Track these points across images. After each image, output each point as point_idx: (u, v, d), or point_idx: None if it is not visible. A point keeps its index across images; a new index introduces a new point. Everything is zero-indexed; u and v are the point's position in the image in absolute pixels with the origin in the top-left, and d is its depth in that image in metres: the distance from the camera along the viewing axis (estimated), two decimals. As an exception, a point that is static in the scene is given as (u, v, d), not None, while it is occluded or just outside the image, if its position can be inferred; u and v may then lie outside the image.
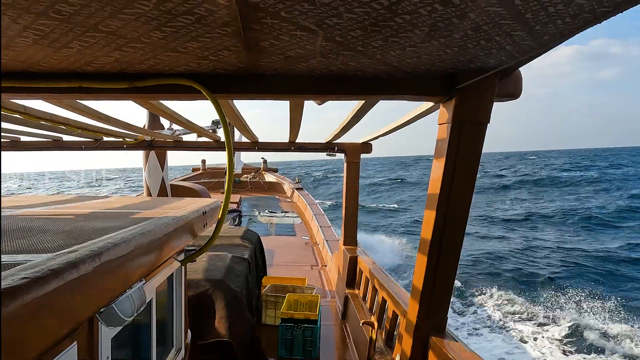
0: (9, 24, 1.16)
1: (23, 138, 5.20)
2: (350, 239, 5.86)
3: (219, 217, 1.97)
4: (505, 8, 1.11)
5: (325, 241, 8.60)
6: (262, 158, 21.94)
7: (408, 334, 2.47)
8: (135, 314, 1.12)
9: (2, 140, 5.11)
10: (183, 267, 2.19)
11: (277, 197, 17.18)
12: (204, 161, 20.93)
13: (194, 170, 20.53)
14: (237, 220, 11.20)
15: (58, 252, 0.84)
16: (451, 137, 1.93)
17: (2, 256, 0.86)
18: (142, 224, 1.35)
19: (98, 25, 1.17)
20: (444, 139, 2.00)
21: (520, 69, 1.87)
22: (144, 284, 1.23)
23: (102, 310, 0.98)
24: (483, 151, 2.03)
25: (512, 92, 1.87)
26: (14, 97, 1.94)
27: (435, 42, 1.37)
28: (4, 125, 3.88)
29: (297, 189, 16.23)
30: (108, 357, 1.14)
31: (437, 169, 2.06)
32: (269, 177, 20.35)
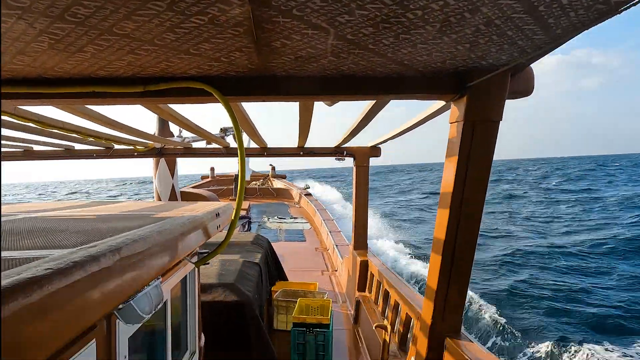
0: (25, 28, 1.18)
1: (36, 147, 5.27)
2: (360, 243, 5.84)
3: (232, 219, 1.98)
4: (518, 1, 1.11)
5: (335, 246, 8.58)
6: (270, 165, 22.05)
7: (423, 335, 2.44)
8: (153, 312, 1.12)
9: (15, 150, 5.19)
10: (197, 269, 2.19)
11: (285, 203, 17.21)
12: (212, 169, 21.08)
13: (203, 178, 20.67)
14: (246, 226, 11.22)
15: (79, 247, 0.85)
16: (463, 136, 1.92)
17: (25, 252, 0.87)
18: (158, 223, 1.36)
19: (112, 28, 1.19)
20: (455, 138, 1.98)
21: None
22: (161, 283, 1.23)
23: (120, 306, 0.98)
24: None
25: (524, 89, 1.86)
26: (28, 103, 1.97)
27: (447, 38, 1.36)
28: (17, 134, 3.94)
29: (305, 194, 16.25)
30: (125, 357, 1.14)
31: (449, 168, 2.05)
32: (278, 184, 20.41)
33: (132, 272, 0.93)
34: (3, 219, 1.52)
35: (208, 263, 2.06)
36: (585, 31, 1.36)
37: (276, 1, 1.05)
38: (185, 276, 1.98)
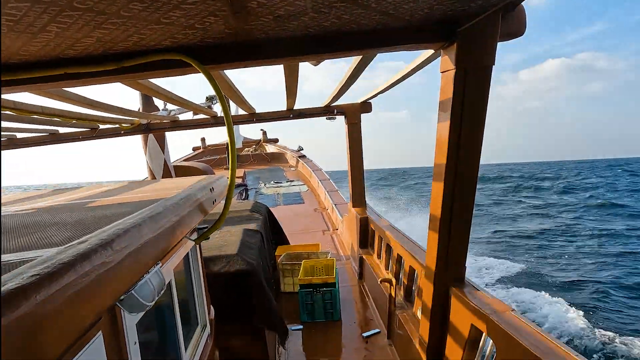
0: None
1: (19, 135, 5.14)
2: (358, 201, 5.86)
3: (227, 192, 1.94)
4: None
5: (334, 205, 8.64)
6: (262, 130, 21.78)
7: (428, 286, 2.48)
8: (156, 298, 1.10)
9: None
10: (197, 245, 2.18)
11: (281, 167, 17.16)
12: (203, 139, 20.80)
13: (194, 149, 20.46)
14: (244, 194, 11.23)
15: (67, 245, 0.81)
16: (456, 84, 1.86)
17: (11, 255, 0.83)
18: (150, 206, 1.32)
19: (73, 3, 1.10)
20: (447, 87, 1.92)
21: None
22: (160, 267, 1.21)
23: (122, 297, 0.96)
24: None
25: (517, 29, 1.77)
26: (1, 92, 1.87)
27: None
28: None
29: (300, 157, 16.17)
30: (136, 342, 1.13)
31: (444, 119, 2.00)
32: (271, 148, 20.25)
33: (128, 263, 0.90)
34: None
35: (208, 238, 2.04)
36: None
37: None
38: (187, 254, 1.97)
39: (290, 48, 1.73)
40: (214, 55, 1.71)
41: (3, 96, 2.48)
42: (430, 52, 2.19)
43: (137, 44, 1.54)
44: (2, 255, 0.83)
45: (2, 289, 0.54)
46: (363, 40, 1.74)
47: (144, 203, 1.45)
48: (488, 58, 1.80)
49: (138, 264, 0.99)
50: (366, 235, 5.49)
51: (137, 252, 0.96)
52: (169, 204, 1.40)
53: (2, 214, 1.48)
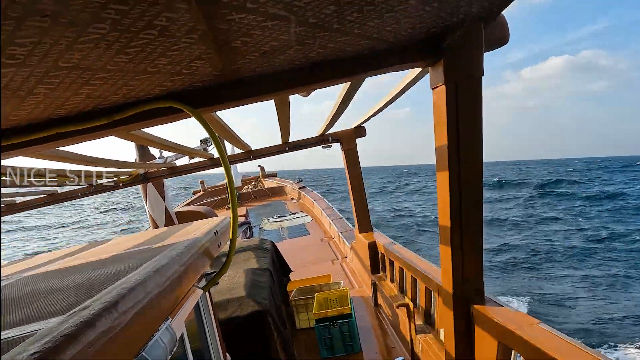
0: None
1: (18, 199, 5.13)
2: (364, 226, 5.80)
3: (231, 234, 1.90)
4: None
5: (339, 233, 8.54)
6: (259, 165, 21.87)
7: (447, 306, 2.40)
8: (169, 356, 1.04)
9: None
10: (207, 293, 2.11)
11: (282, 200, 17.11)
12: (202, 182, 20.86)
13: (194, 193, 20.46)
14: (248, 232, 11.13)
15: (70, 312, 0.76)
16: (448, 98, 1.85)
17: (10, 330, 0.78)
18: (154, 259, 1.27)
19: (58, 62, 1.09)
20: (440, 102, 1.91)
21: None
22: (170, 322, 1.16)
23: None
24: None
25: (500, 37, 1.79)
26: None
27: (413, 1, 1.28)
28: None
29: (300, 188, 16.15)
30: None
31: (440, 134, 1.98)
32: (270, 183, 20.27)
33: (136, 324, 0.85)
34: None
35: (217, 283, 1.98)
36: None
37: None
38: (197, 302, 1.91)
39: (278, 82, 1.73)
40: (204, 97, 1.70)
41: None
42: (419, 70, 2.20)
43: (126, 95, 1.53)
44: (3, 332, 0.78)
45: None
46: (350, 66, 1.75)
47: (148, 255, 1.41)
48: (476, 69, 1.80)
49: (147, 323, 0.94)
50: (376, 260, 5.40)
51: (144, 310, 0.91)
52: (174, 254, 1.35)
53: (10, 281, 1.43)
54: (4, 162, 2.55)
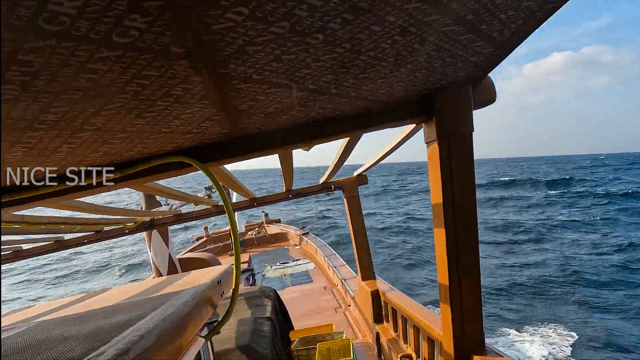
0: None
1: (25, 246, 5.19)
2: (367, 273, 5.77)
3: (234, 282, 1.95)
4: (459, 25, 1.17)
5: (343, 281, 8.46)
6: (263, 212, 21.92)
7: (448, 357, 2.39)
8: None
9: (2, 252, 5.10)
10: (209, 342, 2.13)
11: (285, 246, 17.01)
12: (206, 228, 20.86)
13: (198, 239, 20.41)
14: (250, 279, 11.01)
15: (87, 358, 0.83)
16: (441, 154, 1.97)
17: None
18: (160, 308, 1.33)
19: (83, 125, 1.22)
20: (434, 155, 2.03)
21: (500, 78, 1.94)
22: None
23: None
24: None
25: (488, 98, 1.93)
26: (13, 210, 1.96)
27: (403, 69, 1.42)
28: (4, 237, 3.89)
29: (303, 234, 16.11)
30: None
31: (436, 186, 2.08)
32: (274, 229, 20.23)
33: None
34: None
35: (219, 332, 2.01)
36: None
37: (235, 71, 1.10)
38: (199, 352, 1.93)
39: (281, 139, 1.86)
40: (212, 153, 1.83)
41: (14, 212, 2.57)
42: (414, 125, 2.34)
43: (140, 152, 1.66)
44: None
45: None
46: (348, 124, 1.88)
47: (155, 304, 1.47)
48: (466, 126, 1.93)
49: None
50: (380, 308, 5.34)
51: (153, 358, 0.96)
52: (179, 303, 1.41)
53: (15, 332, 1.48)
54: (20, 212, 2.65)
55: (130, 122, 1.27)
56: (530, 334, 11.61)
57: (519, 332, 11.84)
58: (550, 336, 11.40)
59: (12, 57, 0.78)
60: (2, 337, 1.49)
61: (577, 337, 11.14)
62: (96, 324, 1.32)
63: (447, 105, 1.85)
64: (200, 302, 1.61)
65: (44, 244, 5.18)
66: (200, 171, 1.85)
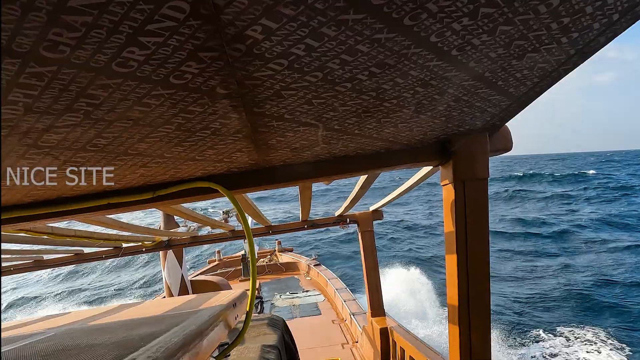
0: (51, 161, 1.33)
1: (46, 256, 5.35)
2: (377, 309, 5.72)
3: (248, 307, 2.01)
4: (477, 81, 1.27)
5: (352, 315, 8.35)
6: (276, 240, 21.95)
7: None
8: None
9: (25, 261, 5.26)
10: None
11: (295, 276, 16.89)
12: (218, 252, 20.95)
13: (210, 262, 20.48)
14: (259, 307, 10.95)
15: None
16: (456, 196, 2.04)
17: None
18: (183, 324, 1.41)
19: (127, 150, 1.34)
20: (449, 197, 2.10)
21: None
22: None
23: None
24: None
25: (504, 145, 2.01)
26: (46, 222, 2.10)
27: (423, 115, 1.52)
28: (28, 247, 4.05)
29: (314, 265, 16.02)
30: None
31: (449, 226, 2.14)
32: (285, 258, 20.17)
33: None
34: (19, 344, 1.54)
35: (229, 355, 2.05)
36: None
37: (269, 111, 1.21)
38: None
39: (303, 172, 1.96)
40: (238, 181, 1.94)
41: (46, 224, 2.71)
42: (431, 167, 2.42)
43: (173, 176, 1.78)
44: None
45: None
46: (368, 162, 1.98)
47: (176, 320, 1.54)
48: (482, 171, 2.00)
49: None
50: (388, 347, 5.26)
51: None
52: (199, 321, 1.48)
53: (40, 338, 1.56)
54: (51, 224, 2.79)
55: (169, 149, 1.39)
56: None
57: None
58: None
59: (83, 91, 0.90)
60: (23, 344, 1.58)
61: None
62: (123, 334, 1.40)
63: (463, 150, 1.93)
64: (217, 322, 1.68)
65: (64, 255, 5.33)
66: (215, 197, 1.96)
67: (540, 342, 12.17)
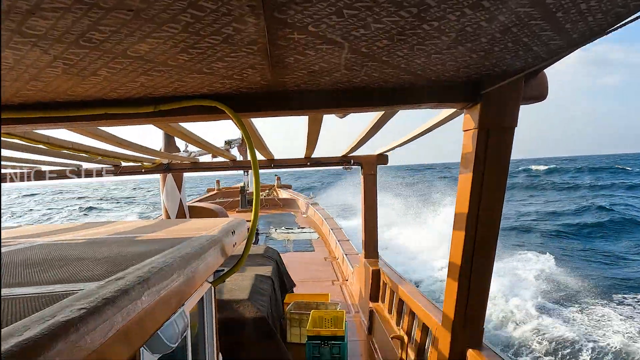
0: (39, 55, 1.18)
1: (44, 167, 5.30)
2: (371, 252, 5.79)
3: (248, 236, 1.96)
4: (536, 8, 1.09)
5: (344, 255, 8.53)
6: (276, 175, 22.06)
7: (443, 346, 2.39)
8: (180, 340, 1.09)
9: (24, 171, 5.22)
10: (213, 288, 2.17)
11: (292, 213, 17.17)
12: (218, 181, 21.15)
13: (209, 190, 20.72)
14: (254, 238, 11.17)
15: (107, 280, 0.83)
16: (478, 144, 1.90)
17: (48, 287, 0.85)
18: (178, 247, 1.34)
19: (127, 51, 1.18)
20: (470, 146, 1.96)
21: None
22: (184, 309, 1.21)
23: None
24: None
25: (539, 94, 1.84)
26: (40, 127, 1.97)
27: (462, 47, 1.34)
28: (26, 155, 3.96)
29: (312, 204, 16.21)
30: None
31: (465, 177, 2.03)
32: (284, 194, 20.39)
33: (160, 302, 0.91)
34: (7, 248, 1.49)
35: (224, 281, 2.03)
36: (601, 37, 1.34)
37: (292, 18, 1.04)
38: (203, 296, 1.96)
39: (319, 101, 1.81)
40: (246, 104, 1.79)
41: (38, 130, 2.59)
42: (452, 110, 2.26)
43: (176, 90, 1.63)
44: (43, 287, 0.85)
45: (55, 319, 0.55)
46: (389, 97, 1.82)
47: (172, 242, 1.47)
48: (510, 120, 1.85)
49: (168, 304, 0.99)
50: (377, 288, 5.38)
51: (168, 291, 0.96)
52: (196, 244, 1.42)
53: (34, 244, 1.51)
54: (42, 131, 2.67)
55: (173, 55, 1.24)
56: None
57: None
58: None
59: None
60: (10, 249, 1.52)
61: None
62: (114, 251, 1.34)
63: (495, 94, 1.76)
64: (216, 247, 1.62)
65: (63, 168, 5.27)
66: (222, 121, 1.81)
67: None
